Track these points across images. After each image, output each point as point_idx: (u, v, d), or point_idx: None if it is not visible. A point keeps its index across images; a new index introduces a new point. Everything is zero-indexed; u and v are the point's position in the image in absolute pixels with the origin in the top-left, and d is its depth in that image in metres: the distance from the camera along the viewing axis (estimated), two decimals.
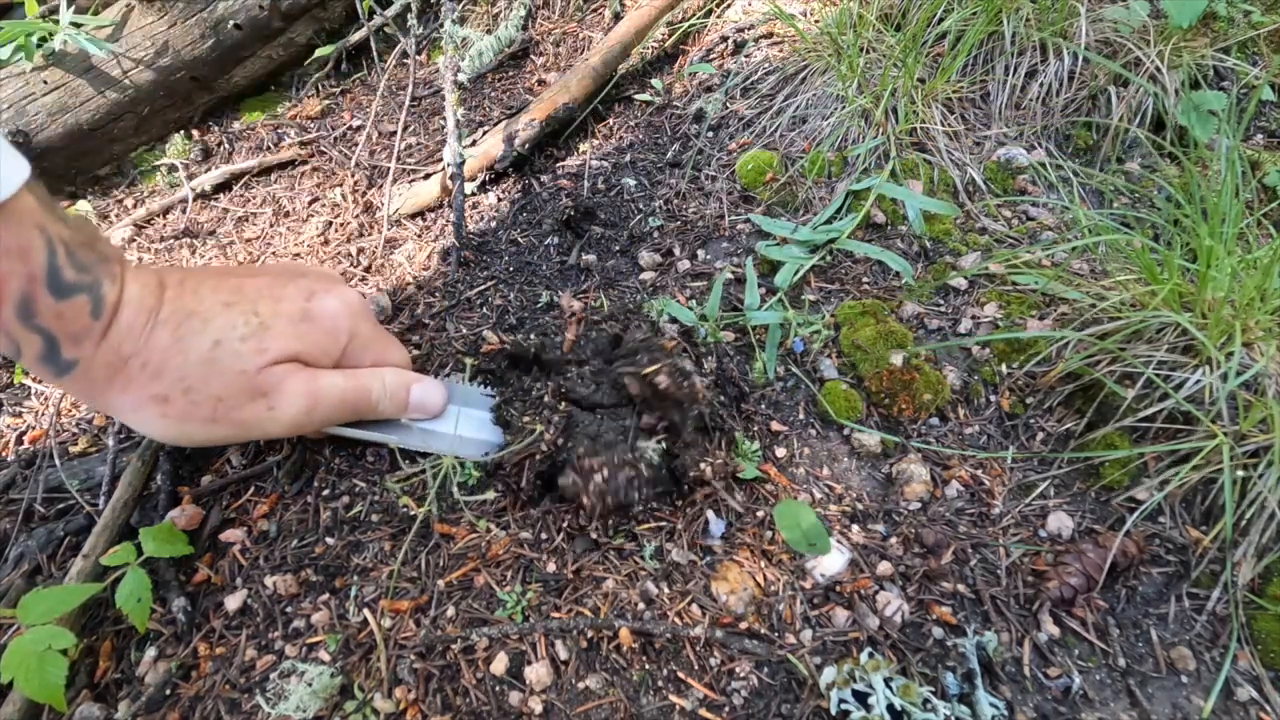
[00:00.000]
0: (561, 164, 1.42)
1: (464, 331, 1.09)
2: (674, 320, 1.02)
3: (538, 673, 0.71)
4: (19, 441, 1.06)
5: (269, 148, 1.58)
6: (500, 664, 0.73)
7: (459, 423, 0.86)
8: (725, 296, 1.09)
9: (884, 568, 0.82)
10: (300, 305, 0.73)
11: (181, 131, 1.60)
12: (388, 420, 0.83)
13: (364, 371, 0.79)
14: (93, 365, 0.64)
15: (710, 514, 0.85)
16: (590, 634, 0.74)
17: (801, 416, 0.98)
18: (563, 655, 0.74)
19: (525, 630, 0.74)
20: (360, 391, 0.78)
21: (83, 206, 1.43)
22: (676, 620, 0.75)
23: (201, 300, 0.69)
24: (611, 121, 1.50)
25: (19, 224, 0.57)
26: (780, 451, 0.93)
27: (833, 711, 0.68)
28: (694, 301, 1.08)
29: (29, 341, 0.60)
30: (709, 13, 1.64)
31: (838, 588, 0.80)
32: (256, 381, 0.69)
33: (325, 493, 0.90)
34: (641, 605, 0.77)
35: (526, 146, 1.38)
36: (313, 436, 0.89)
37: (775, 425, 0.96)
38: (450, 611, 0.78)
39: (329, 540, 0.85)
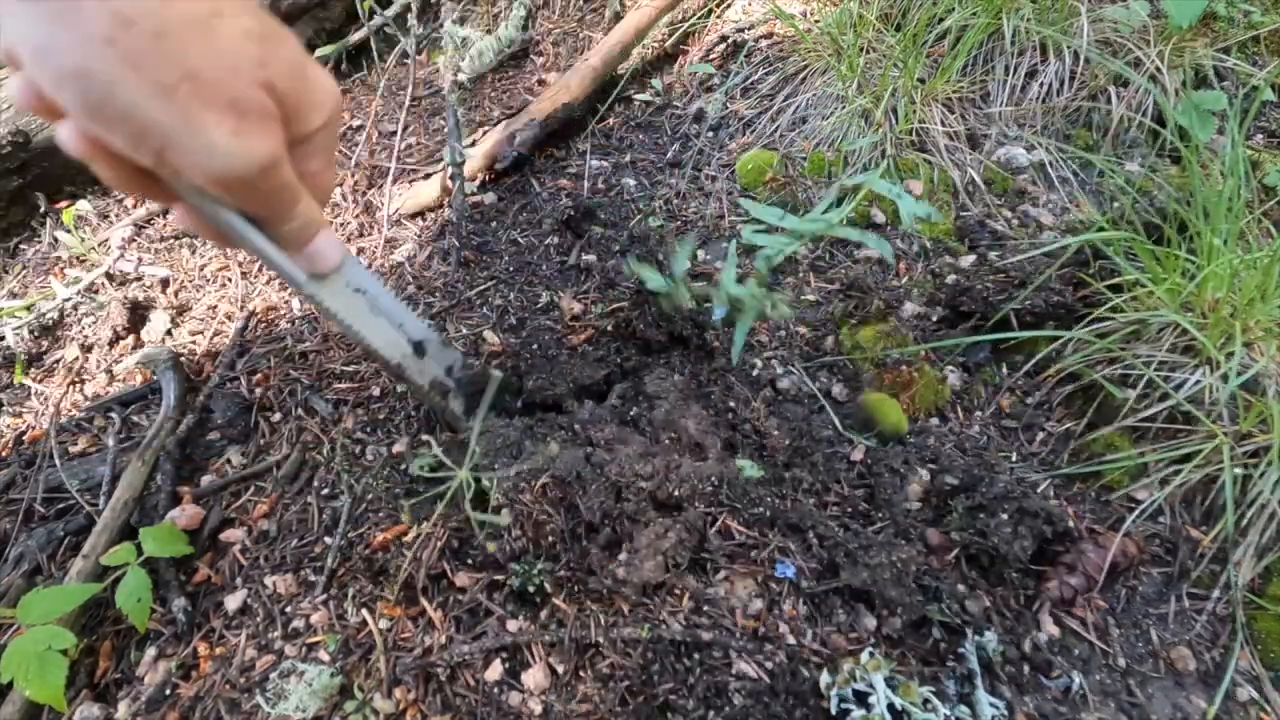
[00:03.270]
0: (561, 164, 1.42)
1: (464, 331, 1.09)
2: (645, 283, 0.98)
3: (535, 676, 0.71)
4: (19, 441, 1.06)
5: None
6: (498, 667, 0.73)
7: (365, 309, 0.70)
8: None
9: None
10: (300, 56, 0.54)
11: None
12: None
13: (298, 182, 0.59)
14: None
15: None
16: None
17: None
18: (562, 658, 0.73)
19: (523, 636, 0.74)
20: (294, 198, 0.58)
21: (83, 206, 1.43)
22: (678, 621, 0.75)
23: None
24: (611, 121, 1.50)
25: None
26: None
27: (833, 711, 0.67)
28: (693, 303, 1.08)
29: None
30: (709, 13, 1.64)
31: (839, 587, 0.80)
32: (242, 90, 0.49)
33: (325, 492, 0.90)
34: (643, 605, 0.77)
35: (526, 146, 1.38)
36: (197, 219, 0.60)
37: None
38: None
39: (328, 540, 0.85)
